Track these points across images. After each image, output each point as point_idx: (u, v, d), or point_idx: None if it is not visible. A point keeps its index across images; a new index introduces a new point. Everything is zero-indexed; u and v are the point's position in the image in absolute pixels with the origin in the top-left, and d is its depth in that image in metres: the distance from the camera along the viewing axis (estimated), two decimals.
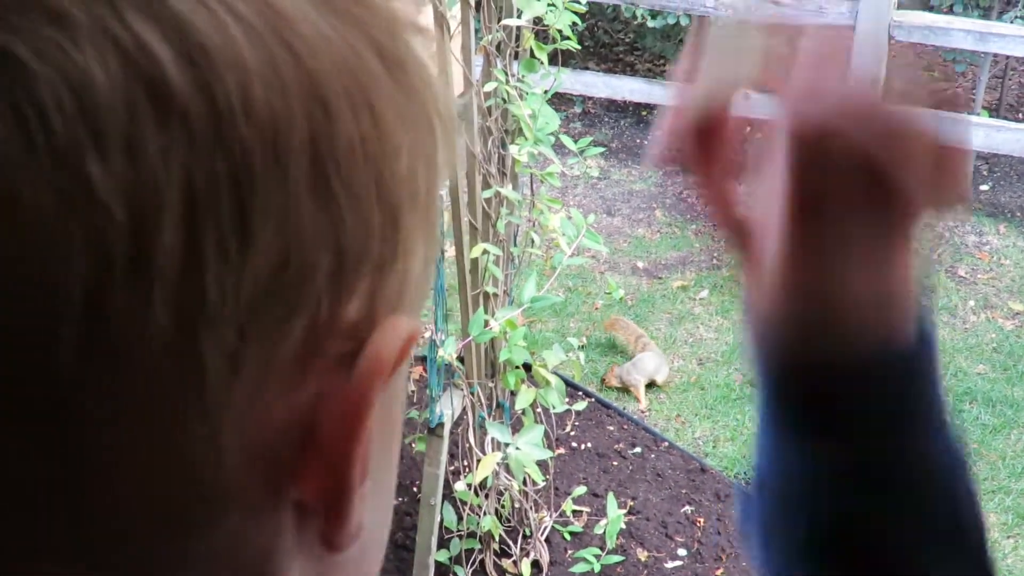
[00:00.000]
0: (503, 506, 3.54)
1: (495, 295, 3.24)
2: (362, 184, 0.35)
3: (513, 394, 3.19)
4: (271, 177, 0.33)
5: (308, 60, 0.34)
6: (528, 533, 3.59)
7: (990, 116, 6.19)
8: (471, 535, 3.40)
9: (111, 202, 0.30)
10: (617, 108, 7.07)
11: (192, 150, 0.31)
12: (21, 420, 0.31)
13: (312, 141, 0.33)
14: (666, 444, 4.26)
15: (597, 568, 3.57)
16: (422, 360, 3.29)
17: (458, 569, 3.40)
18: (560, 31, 3.02)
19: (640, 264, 5.52)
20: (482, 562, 3.47)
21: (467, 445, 3.30)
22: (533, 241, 3.32)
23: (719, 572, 3.70)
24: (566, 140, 3.26)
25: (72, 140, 0.30)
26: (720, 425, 4.44)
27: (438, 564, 3.35)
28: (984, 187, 6.28)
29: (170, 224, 0.31)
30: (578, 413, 4.20)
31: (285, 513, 0.38)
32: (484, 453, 3.20)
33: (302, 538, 0.39)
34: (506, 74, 3.03)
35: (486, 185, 3.11)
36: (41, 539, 0.34)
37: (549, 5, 2.95)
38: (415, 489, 3.77)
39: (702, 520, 3.90)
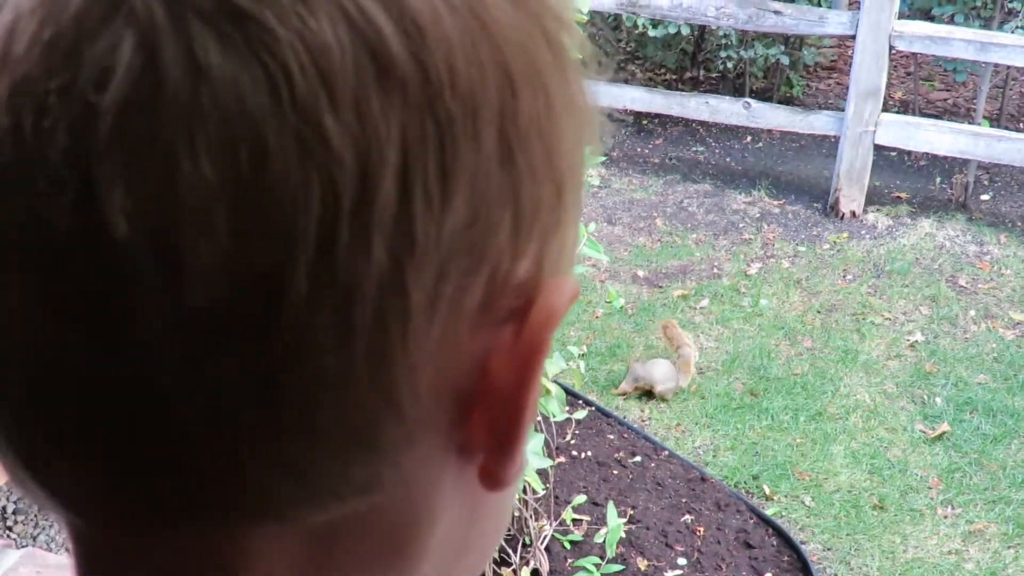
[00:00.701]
0: None
1: None
2: (537, 157, 0.39)
3: None
4: (468, 143, 0.37)
5: (499, 41, 0.38)
6: (528, 542, 3.59)
7: (991, 126, 6.19)
8: None
9: (343, 152, 0.34)
10: (618, 117, 7.07)
11: (407, 112, 0.35)
12: (261, 341, 0.35)
13: (501, 113, 0.38)
14: (666, 453, 4.25)
15: None
16: None
17: None
18: None
19: (641, 273, 5.52)
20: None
21: None
22: None
23: None
24: None
25: (311, 97, 0.34)
26: (720, 434, 4.44)
27: None
28: (985, 197, 6.28)
29: (389, 175, 0.35)
30: (578, 422, 4.21)
31: (451, 451, 0.41)
32: None
33: (462, 478, 0.42)
34: None
35: None
36: (249, 449, 0.36)
37: None
38: None
39: (702, 529, 3.90)
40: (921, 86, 7.35)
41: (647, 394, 4.60)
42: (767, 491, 4.15)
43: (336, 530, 0.40)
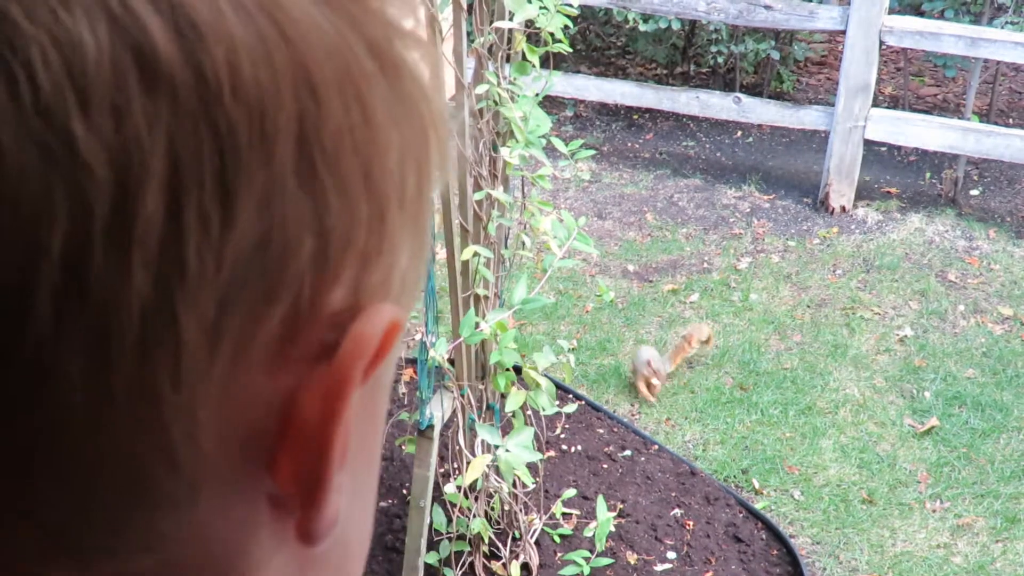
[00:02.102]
0: (493, 508, 3.54)
1: (486, 297, 3.25)
2: (350, 173, 0.35)
3: (503, 396, 3.20)
4: (256, 154, 0.33)
5: (299, 44, 0.34)
6: (518, 535, 3.59)
7: (980, 121, 6.21)
8: (460, 537, 3.41)
9: (93, 161, 0.30)
10: (608, 112, 7.08)
11: (177, 119, 0.32)
12: None
13: (299, 123, 0.34)
14: (656, 447, 4.26)
15: (587, 571, 3.57)
16: (412, 362, 3.30)
17: (447, 571, 3.40)
18: (552, 34, 3.03)
19: (631, 267, 5.53)
20: (471, 564, 3.47)
21: (457, 447, 3.30)
22: (524, 243, 3.32)
23: (708, 575, 3.71)
24: (557, 143, 3.27)
25: (58, 98, 0.30)
26: (710, 428, 4.45)
27: (427, 566, 3.36)
28: (974, 192, 6.30)
29: (152, 189, 0.31)
30: (568, 416, 4.21)
31: (260, 504, 0.37)
32: (474, 455, 3.21)
33: (280, 534, 0.38)
34: (498, 77, 3.04)
35: (477, 187, 3.12)
36: (3, 507, 0.33)
37: (541, 8, 2.96)
38: (404, 491, 3.78)
39: (691, 523, 3.91)
40: (911, 81, 7.36)
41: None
42: (756, 485, 4.16)
43: None
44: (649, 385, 4.49)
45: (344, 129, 0.35)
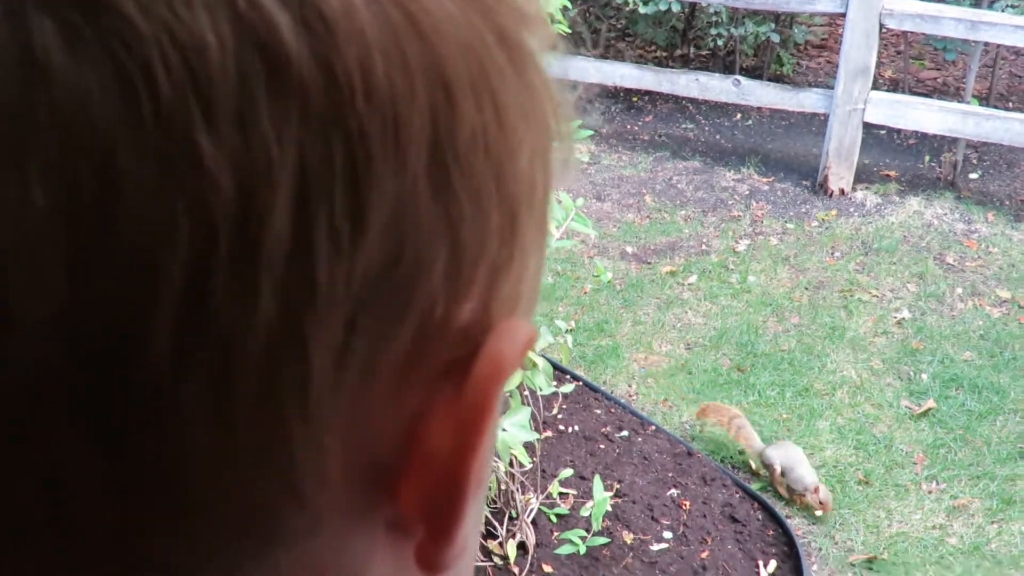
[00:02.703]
0: (490, 488, 3.56)
1: None
2: (482, 178, 0.33)
3: None
4: (389, 162, 0.30)
5: (432, 38, 0.31)
6: (514, 515, 3.61)
7: (980, 105, 6.21)
8: None
9: (219, 175, 0.27)
10: (608, 94, 7.08)
11: (307, 126, 0.29)
12: (107, 415, 0.28)
13: (433, 126, 0.31)
14: (653, 428, 4.28)
15: (583, 550, 3.59)
16: None
17: None
18: (551, 16, 3.04)
19: (629, 249, 5.54)
20: None
21: None
22: None
23: (704, 555, 3.72)
24: None
25: (180, 106, 0.27)
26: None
27: None
28: (973, 176, 6.30)
29: (281, 203, 0.28)
30: (565, 396, 4.23)
31: (379, 530, 0.35)
32: None
33: (397, 560, 0.36)
34: None
35: None
36: (100, 543, 0.30)
37: None
38: None
39: (688, 503, 3.92)
40: (911, 64, 7.36)
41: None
42: (753, 466, 4.18)
43: None
44: (820, 502, 3.98)
45: (478, 131, 0.32)
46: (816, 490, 3.95)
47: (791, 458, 4.03)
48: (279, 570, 0.33)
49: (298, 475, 0.31)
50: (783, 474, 4.01)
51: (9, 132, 0.26)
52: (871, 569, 3.82)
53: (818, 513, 3.96)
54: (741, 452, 4.24)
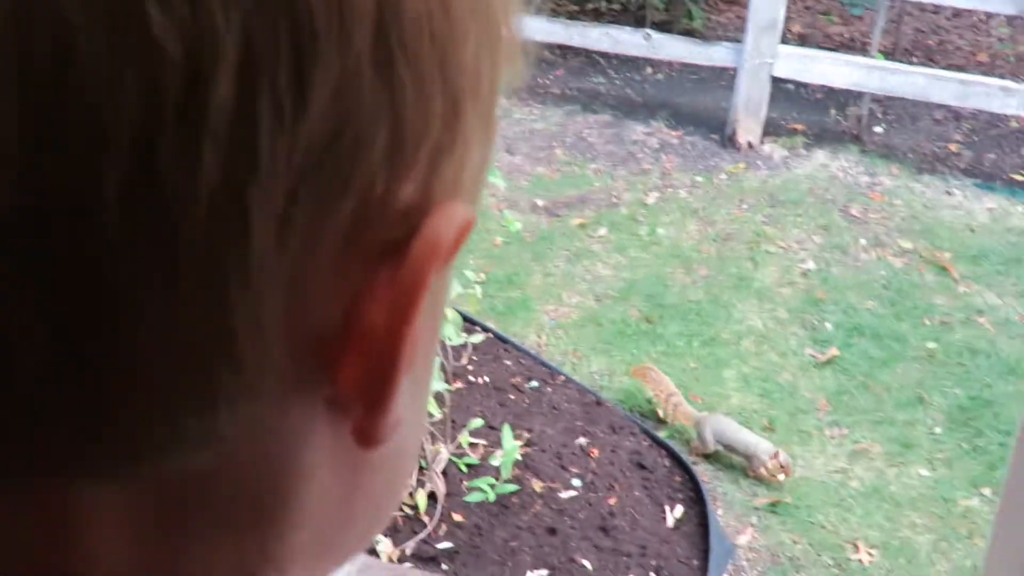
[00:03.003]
0: None
1: None
2: (426, 63, 0.33)
3: None
4: (333, 39, 0.31)
5: None
6: (424, 465, 3.63)
7: (886, 59, 6.30)
8: None
9: (167, 44, 0.29)
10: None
11: (254, 2, 0.30)
12: (55, 276, 0.30)
13: (378, 7, 0.32)
14: (562, 378, 4.32)
15: (492, 498, 3.62)
16: None
17: None
18: None
19: (539, 202, 5.56)
20: None
21: None
22: None
23: (612, 501, 3.78)
24: None
25: None
26: (616, 360, 4.51)
27: None
28: (878, 129, 6.41)
29: (225, 74, 0.29)
30: (475, 347, 4.25)
31: (317, 406, 0.36)
32: None
33: (335, 437, 0.37)
34: None
35: None
36: (57, 409, 0.32)
37: None
38: None
39: (596, 451, 3.97)
40: (818, 19, 7.45)
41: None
42: (660, 414, 4.24)
43: (182, 490, 0.35)
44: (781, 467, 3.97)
45: (423, 17, 0.33)
46: (775, 455, 3.90)
47: (727, 428, 4.03)
48: (220, 433, 0.34)
49: (236, 340, 0.32)
50: (731, 448, 4.00)
51: None
52: (775, 513, 3.90)
53: (781, 477, 3.91)
54: (649, 401, 4.30)
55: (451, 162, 0.35)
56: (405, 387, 0.36)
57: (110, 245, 0.29)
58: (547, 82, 6.84)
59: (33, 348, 0.30)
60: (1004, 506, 1.04)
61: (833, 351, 4.60)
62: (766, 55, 6.01)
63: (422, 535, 3.54)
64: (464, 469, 3.80)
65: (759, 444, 3.98)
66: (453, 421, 3.79)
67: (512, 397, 4.19)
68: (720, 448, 4.04)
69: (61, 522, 0.35)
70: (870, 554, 3.74)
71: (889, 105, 6.62)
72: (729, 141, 6.15)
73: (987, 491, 3.98)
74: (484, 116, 0.37)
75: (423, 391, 0.42)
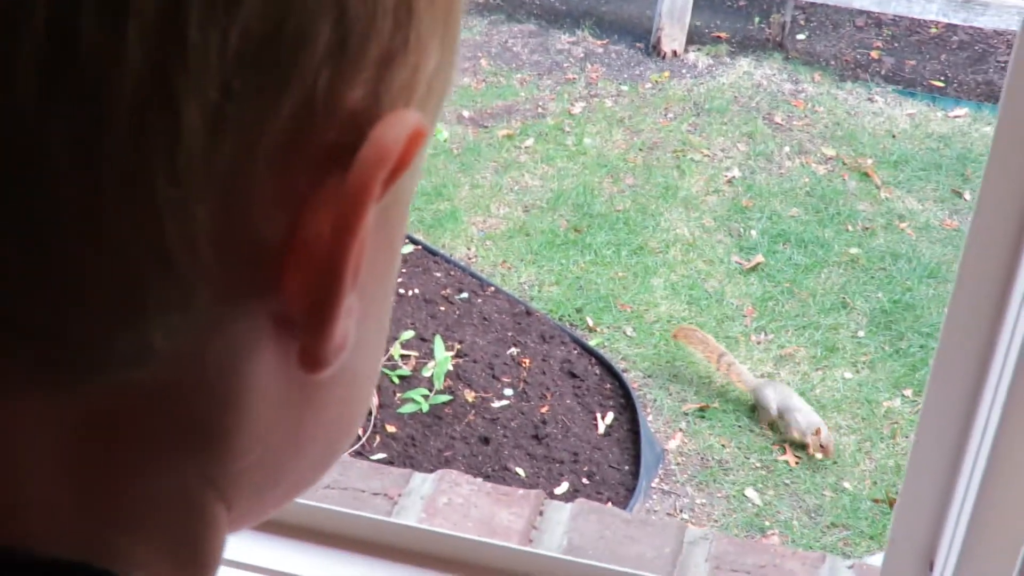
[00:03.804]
0: None
1: None
2: None
3: None
4: None
5: None
6: None
7: None
8: None
9: None
10: None
11: None
12: None
13: None
14: (492, 289, 4.34)
15: (425, 408, 3.65)
16: None
17: None
18: None
19: (466, 113, 5.53)
20: None
21: None
22: None
23: (544, 410, 3.83)
24: None
25: None
26: (545, 270, 4.54)
27: None
28: (801, 36, 6.44)
29: None
30: (404, 259, 4.25)
31: (261, 322, 0.34)
32: None
33: (281, 358, 0.35)
34: None
35: None
36: None
37: None
38: None
39: (528, 361, 4.01)
40: None
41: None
42: (590, 323, 4.28)
43: (119, 406, 0.34)
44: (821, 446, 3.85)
45: None
46: (817, 432, 3.79)
47: (786, 398, 3.91)
48: (154, 346, 0.32)
49: (166, 242, 0.30)
50: (780, 415, 3.89)
51: None
52: (703, 417, 3.98)
53: (819, 456, 3.81)
54: (579, 310, 4.35)
55: (403, 66, 0.34)
56: (354, 306, 0.35)
57: (26, 130, 0.28)
58: None
59: None
60: (926, 408, 1.08)
61: (759, 258, 4.67)
62: None
63: (356, 446, 3.57)
64: (396, 381, 3.82)
65: (807, 418, 3.85)
66: None
67: (443, 309, 4.21)
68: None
69: None
70: (796, 456, 3.84)
71: (812, 12, 6.64)
72: (654, 49, 6.14)
73: (908, 392, 4.09)
74: (443, 17, 0.35)
75: (379, 313, 0.40)
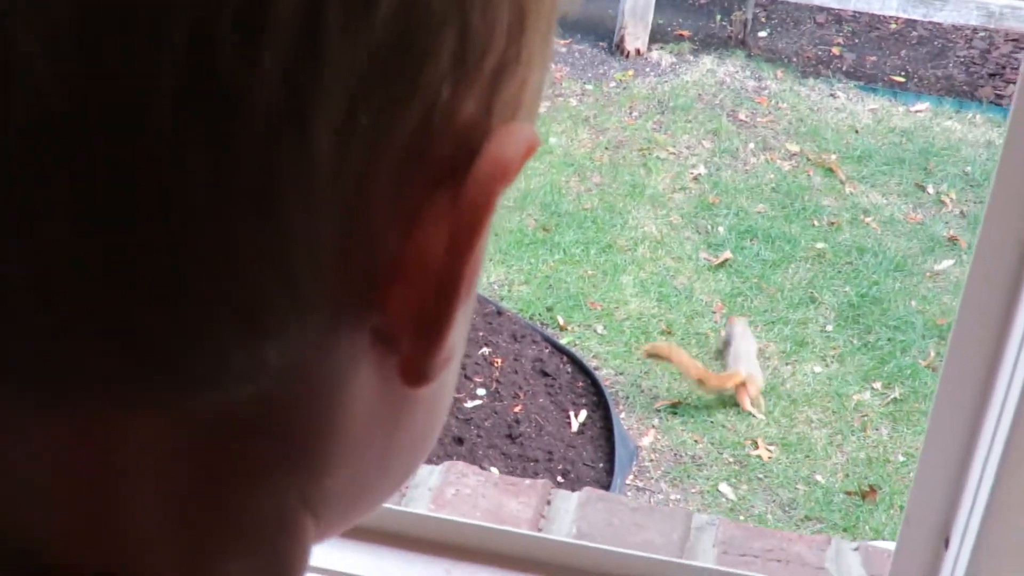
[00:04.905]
0: None
1: None
2: None
3: None
4: None
5: None
6: None
7: None
8: None
9: None
10: None
11: None
12: (105, 184, 0.28)
13: None
14: None
15: None
16: None
17: None
18: None
19: None
20: None
21: None
22: None
23: (518, 409, 3.83)
24: None
25: None
26: (514, 269, 4.54)
27: None
28: (762, 34, 6.49)
29: None
30: None
31: (364, 337, 0.34)
32: None
33: (380, 372, 0.35)
34: None
35: None
36: (99, 331, 0.30)
37: None
38: None
39: (499, 360, 4.01)
40: None
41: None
42: (561, 322, 4.29)
43: (227, 423, 0.33)
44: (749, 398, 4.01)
45: None
46: (742, 383, 3.90)
47: (742, 340, 4.03)
48: (267, 365, 0.32)
49: (293, 263, 0.30)
50: (727, 343, 4.04)
51: None
52: (675, 413, 4.00)
53: (747, 407, 3.92)
54: (549, 309, 4.35)
55: (513, 79, 0.33)
56: (459, 319, 0.34)
57: (161, 154, 0.27)
58: None
59: (77, 265, 0.28)
60: (943, 385, 1.09)
61: (727, 254, 4.70)
62: None
63: None
64: None
65: (744, 359, 3.98)
66: None
67: None
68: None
69: (100, 455, 0.32)
70: (769, 450, 3.86)
71: (772, 9, 6.69)
72: (617, 48, 6.17)
73: (878, 385, 4.13)
74: (544, 35, 0.35)
75: (467, 321, 0.39)
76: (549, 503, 1.33)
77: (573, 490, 3.59)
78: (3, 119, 0.27)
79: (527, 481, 1.36)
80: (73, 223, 0.28)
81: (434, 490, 1.30)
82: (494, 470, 3.60)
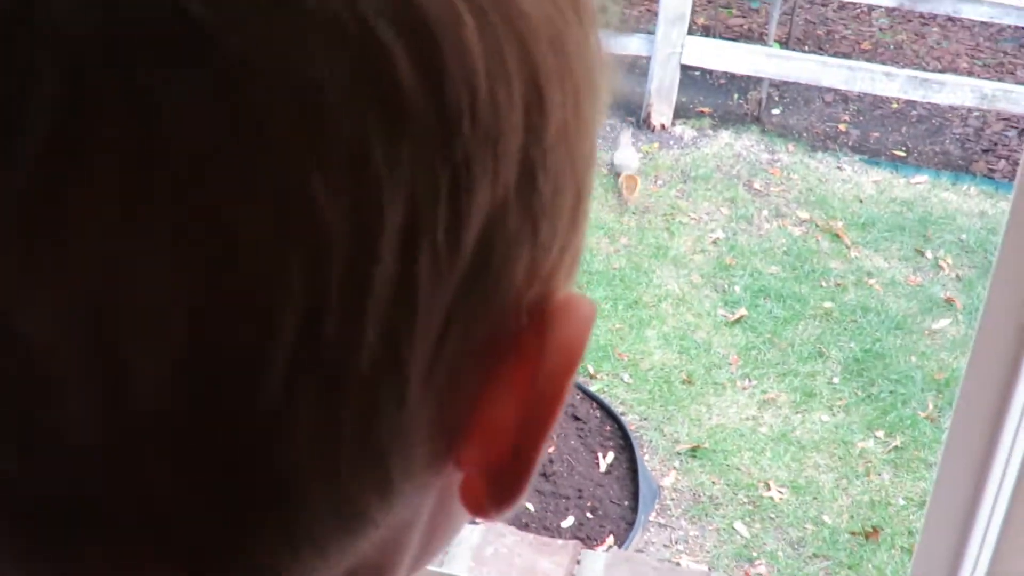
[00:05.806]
0: None
1: None
2: (560, 169, 0.29)
3: None
4: (486, 178, 0.27)
5: (530, 42, 0.27)
6: None
7: (781, 48, 6.38)
8: None
9: (334, 222, 0.24)
10: None
11: (416, 158, 0.25)
12: (214, 455, 0.26)
13: (525, 131, 0.28)
14: None
15: None
16: None
17: None
18: None
19: None
20: None
21: None
22: None
23: (551, 450, 3.82)
24: None
25: (294, 152, 0.24)
26: None
27: None
28: (775, 111, 6.49)
29: (388, 242, 0.25)
30: None
31: (439, 479, 0.32)
32: None
33: (441, 496, 0.34)
34: None
35: None
36: (203, 559, 0.28)
37: None
38: None
39: None
40: (720, 12, 7.51)
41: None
42: (591, 370, 4.28)
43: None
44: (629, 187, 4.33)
45: (561, 126, 0.29)
46: (630, 179, 4.21)
47: (623, 144, 4.28)
48: (358, 554, 0.31)
49: (389, 473, 0.29)
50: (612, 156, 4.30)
51: (115, 182, 0.23)
52: (695, 456, 3.97)
53: (626, 199, 4.14)
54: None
55: (571, 249, 0.32)
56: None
57: (267, 426, 0.26)
58: None
59: (192, 529, 0.27)
60: (952, 431, 1.08)
61: (742, 311, 4.68)
62: (675, 45, 6.05)
63: None
64: None
65: (628, 161, 4.49)
66: None
67: None
68: None
69: None
70: (780, 492, 3.83)
71: (785, 89, 6.70)
72: (644, 123, 6.19)
73: (880, 433, 4.09)
74: (592, 186, 0.33)
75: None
76: (579, 562, 1.33)
77: (601, 526, 3.58)
78: (119, 405, 0.25)
79: (559, 542, 1.36)
80: (191, 486, 0.27)
81: (474, 549, 1.30)
82: (529, 506, 3.59)
